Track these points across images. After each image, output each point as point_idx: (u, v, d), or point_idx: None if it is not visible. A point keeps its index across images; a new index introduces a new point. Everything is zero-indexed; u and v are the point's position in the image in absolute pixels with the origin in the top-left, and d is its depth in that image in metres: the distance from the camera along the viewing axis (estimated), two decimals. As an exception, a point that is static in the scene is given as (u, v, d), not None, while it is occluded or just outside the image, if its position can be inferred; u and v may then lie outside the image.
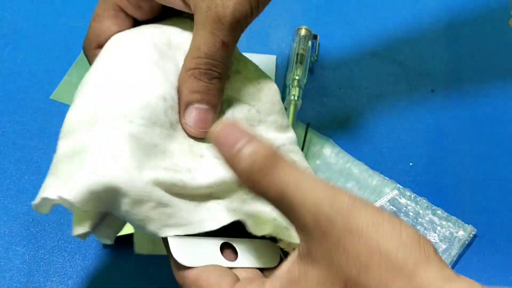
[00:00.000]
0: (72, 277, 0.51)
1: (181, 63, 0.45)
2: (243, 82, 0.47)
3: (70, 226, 0.53)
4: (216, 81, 0.44)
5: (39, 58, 0.66)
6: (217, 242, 0.42)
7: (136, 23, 0.47)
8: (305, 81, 0.63)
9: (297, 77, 0.62)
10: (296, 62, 0.64)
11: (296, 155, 0.48)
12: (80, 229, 0.40)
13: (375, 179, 0.58)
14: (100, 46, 0.46)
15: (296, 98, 0.61)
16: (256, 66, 0.49)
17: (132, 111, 0.41)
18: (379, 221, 0.32)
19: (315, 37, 0.67)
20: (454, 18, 0.73)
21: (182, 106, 0.44)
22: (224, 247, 0.42)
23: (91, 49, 0.46)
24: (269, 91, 0.48)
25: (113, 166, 0.38)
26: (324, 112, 0.64)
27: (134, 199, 0.38)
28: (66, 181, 0.38)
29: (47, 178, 0.40)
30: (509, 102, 0.65)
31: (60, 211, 0.54)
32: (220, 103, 0.45)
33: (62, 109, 0.61)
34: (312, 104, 0.64)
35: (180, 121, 0.44)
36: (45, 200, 0.39)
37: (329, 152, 0.60)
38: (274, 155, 0.35)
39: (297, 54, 0.64)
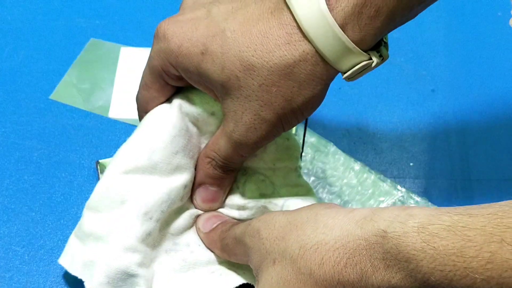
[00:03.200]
0: (72, 277, 0.51)
1: (203, 142, 0.48)
2: (259, 160, 0.50)
3: (70, 226, 0.53)
4: (230, 172, 0.48)
5: (39, 58, 0.66)
6: None
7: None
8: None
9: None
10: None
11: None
12: None
13: (375, 179, 0.58)
14: (147, 110, 0.48)
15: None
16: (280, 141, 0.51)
17: (154, 208, 0.45)
18: None
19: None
20: (454, 18, 0.73)
21: (196, 183, 0.48)
22: None
23: (142, 113, 0.49)
24: (285, 169, 0.50)
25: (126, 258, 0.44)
26: (324, 112, 0.64)
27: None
28: (86, 267, 0.44)
29: (73, 243, 0.46)
30: (510, 102, 0.66)
31: (60, 211, 0.54)
32: (230, 185, 0.49)
33: (61, 109, 0.61)
34: (312, 104, 0.64)
35: (190, 196, 0.48)
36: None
37: (329, 153, 0.60)
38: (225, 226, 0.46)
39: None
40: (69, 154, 0.58)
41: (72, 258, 0.45)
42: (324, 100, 0.65)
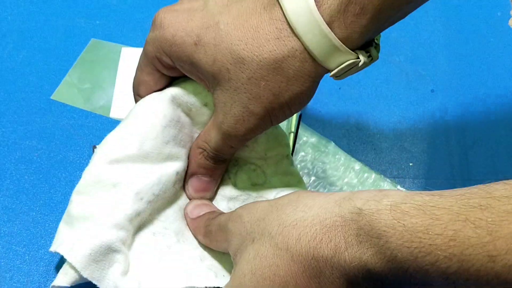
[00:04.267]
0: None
1: (195, 132, 0.49)
2: (251, 151, 0.51)
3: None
4: (221, 163, 0.48)
5: (40, 58, 0.66)
6: None
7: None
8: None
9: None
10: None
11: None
12: (62, 281, 0.44)
13: (375, 179, 0.58)
14: (139, 93, 0.49)
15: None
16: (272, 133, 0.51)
17: (145, 189, 0.45)
18: None
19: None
20: (453, 18, 0.73)
21: (188, 173, 0.49)
22: None
23: (135, 94, 0.50)
24: (276, 157, 0.51)
25: (112, 234, 0.44)
26: (324, 112, 0.64)
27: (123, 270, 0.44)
28: (73, 245, 0.44)
29: (62, 229, 0.45)
30: (509, 102, 0.66)
31: (60, 211, 0.54)
32: (221, 174, 0.50)
33: (62, 109, 0.62)
34: (312, 104, 0.64)
35: (183, 185, 0.49)
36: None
37: (330, 153, 0.60)
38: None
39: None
40: (70, 154, 0.58)
41: (61, 243, 0.44)
42: (324, 100, 0.65)
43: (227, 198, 0.50)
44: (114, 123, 0.61)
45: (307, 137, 0.60)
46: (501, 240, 0.29)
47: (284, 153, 0.51)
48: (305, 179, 0.58)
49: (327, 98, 0.65)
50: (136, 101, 0.49)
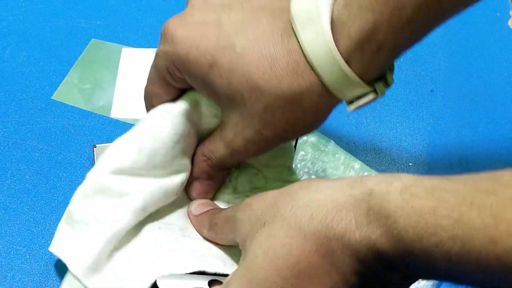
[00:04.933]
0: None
1: (199, 140, 0.49)
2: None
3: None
4: (225, 170, 0.49)
5: (40, 58, 0.66)
6: (204, 280, 0.44)
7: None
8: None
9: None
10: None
11: None
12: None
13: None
14: (152, 103, 0.48)
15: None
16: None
17: (150, 204, 0.46)
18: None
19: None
20: (453, 18, 0.73)
21: (191, 177, 0.49)
22: (212, 284, 0.44)
23: (148, 106, 0.49)
24: (279, 167, 0.51)
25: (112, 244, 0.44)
26: (324, 112, 0.64)
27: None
28: (75, 253, 0.44)
29: (63, 229, 0.45)
30: (508, 102, 0.66)
31: (60, 211, 0.54)
32: (223, 179, 0.50)
33: (63, 109, 0.62)
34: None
35: (185, 188, 0.49)
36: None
37: (330, 152, 0.60)
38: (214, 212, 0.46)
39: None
40: (71, 154, 0.58)
41: (62, 244, 0.44)
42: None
43: (226, 201, 0.50)
44: (115, 123, 0.61)
45: (307, 136, 0.60)
46: (504, 223, 0.29)
47: (286, 164, 0.51)
48: (305, 178, 0.58)
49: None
50: (148, 110, 0.49)
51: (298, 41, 0.41)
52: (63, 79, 0.64)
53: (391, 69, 0.44)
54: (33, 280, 0.51)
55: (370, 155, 0.61)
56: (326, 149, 0.60)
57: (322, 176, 0.58)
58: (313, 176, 0.58)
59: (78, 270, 0.43)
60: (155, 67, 0.46)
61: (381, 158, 0.61)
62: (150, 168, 0.46)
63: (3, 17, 0.70)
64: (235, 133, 0.44)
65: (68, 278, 0.44)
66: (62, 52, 0.67)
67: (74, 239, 0.44)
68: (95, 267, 0.43)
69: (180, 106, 0.47)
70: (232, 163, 0.48)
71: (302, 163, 0.59)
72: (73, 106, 0.62)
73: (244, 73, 0.41)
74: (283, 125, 0.43)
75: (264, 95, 0.41)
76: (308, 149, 0.60)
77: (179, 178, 0.47)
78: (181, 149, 0.47)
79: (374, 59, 0.40)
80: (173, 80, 0.46)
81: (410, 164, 0.61)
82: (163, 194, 0.46)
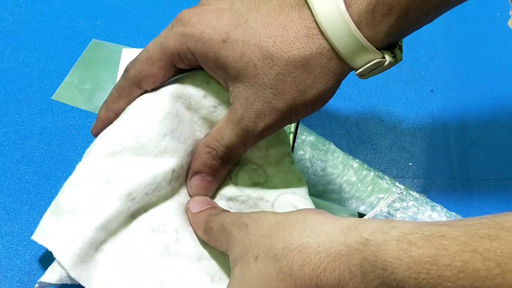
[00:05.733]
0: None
1: (197, 130, 0.49)
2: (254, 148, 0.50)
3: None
4: (228, 164, 0.48)
5: (40, 58, 0.66)
6: None
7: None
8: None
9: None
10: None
11: (300, 202, 0.50)
12: (50, 278, 0.43)
13: (374, 177, 0.58)
14: (140, 85, 0.48)
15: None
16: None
17: (138, 189, 0.45)
18: None
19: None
20: (453, 18, 0.73)
21: (191, 171, 0.49)
22: None
23: (131, 82, 0.48)
24: (277, 155, 0.50)
25: (100, 236, 0.44)
26: (324, 112, 0.64)
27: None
28: (61, 242, 0.43)
29: (48, 220, 0.45)
30: (508, 102, 0.66)
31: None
32: (225, 176, 0.50)
33: (63, 109, 0.62)
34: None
35: (185, 181, 0.49)
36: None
37: (328, 151, 0.60)
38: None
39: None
40: (71, 154, 0.58)
41: (46, 234, 0.44)
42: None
43: (227, 198, 0.50)
44: (115, 123, 0.61)
45: (306, 136, 0.60)
46: (511, 272, 0.28)
47: (285, 151, 0.51)
48: (305, 178, 0.58)
49: (327, 98, 0.65)
50: (127, 85, 0.48)
51: (310, 10, 0.42)
52: (63, 79, 0.65)
53: (400, 48, 0.44)
54: (33, 280, 0.51)
55: (369, 155, 0.61)
56: (325, 148, 0.60)
57: (321, 175, 0.58)
58: (312, 176, 0.58)
59: (65, 259, 0.42)
60: (161, 48, 0.46)
61: (381, 158, 0.61)
62: (139, 148, 0.46)
63: (3, 17, 0.70)
64: (246, 107, 0.44)
65: (52, 266, 0.44)
66: (62, 52, 0.67)
67: (60, 228, 0.44)
68: (82, 257, 0.43)
69: (166, 87, 0.47)
70: (239, 152, 0.48)
71: (301, 162, 0.59)
72: (73, 106, 0.62)
73: (257, 43, 0.42)
74: (293, 94, 0.43)
75: (275, 62, 0.42)
76: (307, 149, 0.60)
77: (170, 164, 0.47)
78: (170, 129, 0.46)
79: (384, 22, 0.41)
80: (181, 61, 0.46)
81: (410, 164, 0.61)
82: (151, 179, 0.45)
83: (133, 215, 0.46)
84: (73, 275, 0.42)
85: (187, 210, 0.48)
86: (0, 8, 0.71)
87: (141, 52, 0.47)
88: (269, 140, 0.50)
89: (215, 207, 0.48)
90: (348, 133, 0.63)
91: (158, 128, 0.46)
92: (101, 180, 0.45)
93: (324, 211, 0.41)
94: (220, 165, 0.48)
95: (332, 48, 0.42)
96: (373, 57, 0.42)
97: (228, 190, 0.50)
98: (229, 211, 0.47)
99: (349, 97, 0.65)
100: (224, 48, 0.43)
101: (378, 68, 0.43)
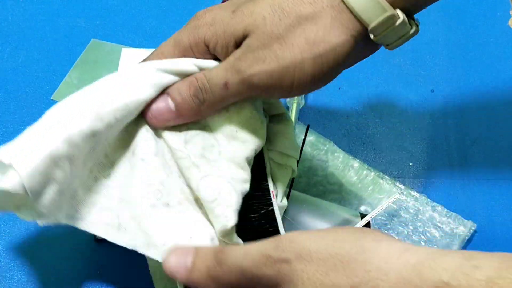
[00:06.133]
0: (73, 277, 0.51)
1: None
2: (225, 120, 0.47)
3: (69, 226, 0.53)
4: (198, 107, 0.45)
5: (40, 58, 0.66)
6: None
7: None
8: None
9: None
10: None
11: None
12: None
13: (374, 177, 0.58)
14: None
15: (298, 97, 0.61)
16: (252, 118, 0.48)
17: (107, 111, 0.43)
18: None
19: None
20: (454, 18, 0.73)
21: (161, 95, 0.46)
22: None
23: None
24: (241, 145, 0.47)
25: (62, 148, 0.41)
26: (324, 112, 0.64)
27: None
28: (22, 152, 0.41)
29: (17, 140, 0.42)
30: (508, 102, 0.66)
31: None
32: (186, 121, 0.46)
33: (63, 110, 0.62)
34: (312, 104, 0.64)
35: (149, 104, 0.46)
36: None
37: (328, 151, 0.60)
38: (215, 251, 0.38)
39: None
40: (70, 154, 0.58)
41: (11, 149, 0.41)
42: (324, 100, 0.65)
43: (179, 139, 0.47)
44: (115, 123, 0.61)
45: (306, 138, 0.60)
46: None
47: (289, 148, 0.49)
48: (305, 178, 0.58)
49: (327, 98, 0.65)
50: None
51: None
52: (63, 79, 0.64)
53: (415, 21, 0.44)
54: (33, 280, 0.51)
55: (370, 155, 0.61)
56: (325, 148, 0.60)
57: (321, 175, 0.58)
58: (312, 176, 0.58)
59: (21, 164, 0.40)
60: (175, 42, 0.46)
61: (381, 158, 0.61)
62: (117, 75, 0.46)
63: (3, 17, 0.70)
64: (245, 50, 0.43)
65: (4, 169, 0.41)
66: (62, 52, 0.67)
67: (25, 143, 0.42)
68: (38, 169, 0.40)
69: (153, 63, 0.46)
70: (215, 92, 0.44)
71: (301, 162, 0.59)
72: (73, 106, 0.62)
73: (268, 1, 0.43)
74: (301, 45, 0.42)
75: (286, 14, 0.42)
76: (307, 148, 0.60)
77: (145, 94, 0.45)
78: (151, 76, 0.45)
79: None
80: (192, 55, 0.46)
81: (410, 164, 0.61)
82: (122, 105, 0.44)
83: (95, 148, 0.44)
84: (26, 184, 0.40)
85: (170, 275, 0.40)
86: (0, 8, 0.71)
87: (154, 51, 0.47)
88: (241, 123, 0.47)
89: (199, 252, 0.39)
90: (348, 133, 0.63)
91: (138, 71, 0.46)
92: (73, 101, 0.44)
93: (378, 232, 0.36)
94: (192, 101, 0.45)
95: (343, 1, 0.42)
96: (385, 12, 0.41)
97: (174, 140, 0.47)
98: (221, 248, 0.39)
99: (349, 97, 0.65)
100: (233, 16, 0.43)
101: (391, 29, 0.42)
